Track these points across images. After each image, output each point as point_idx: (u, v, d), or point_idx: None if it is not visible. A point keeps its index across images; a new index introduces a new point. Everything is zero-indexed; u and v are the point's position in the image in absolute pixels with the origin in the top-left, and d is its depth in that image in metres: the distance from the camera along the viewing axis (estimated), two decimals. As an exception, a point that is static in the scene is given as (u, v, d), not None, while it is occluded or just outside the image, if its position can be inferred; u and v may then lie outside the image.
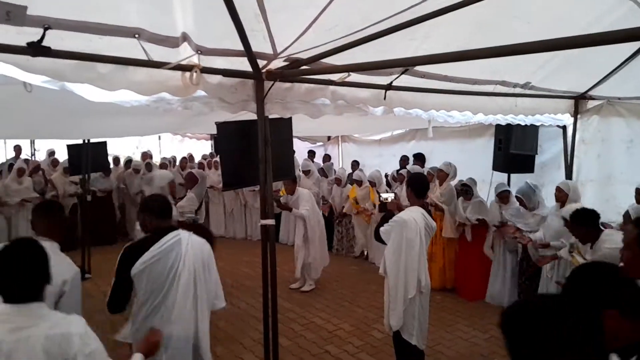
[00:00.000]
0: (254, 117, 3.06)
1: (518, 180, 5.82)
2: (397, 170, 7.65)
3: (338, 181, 8.16)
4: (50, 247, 2.28)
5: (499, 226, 5.36)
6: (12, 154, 9.60)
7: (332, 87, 3.28)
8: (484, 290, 5.82)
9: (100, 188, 8.75)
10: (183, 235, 2.54)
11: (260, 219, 3.13)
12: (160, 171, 7.57)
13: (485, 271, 5.82)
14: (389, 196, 4.23)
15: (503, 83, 3.99)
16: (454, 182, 6.24)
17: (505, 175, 6.09)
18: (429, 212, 3.76)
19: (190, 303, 2.46)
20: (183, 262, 2.46)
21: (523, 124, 4.78)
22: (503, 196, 5.53)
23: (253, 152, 3.09)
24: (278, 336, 3.17)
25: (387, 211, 3.90)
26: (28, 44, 1.92)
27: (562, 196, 4.59)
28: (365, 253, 7.95)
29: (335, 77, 3.16)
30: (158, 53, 2.42)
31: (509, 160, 5.83)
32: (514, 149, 5.64)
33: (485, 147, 6.66)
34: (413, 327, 3.54)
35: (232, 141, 3.28)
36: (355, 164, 8.76)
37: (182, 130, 10.31)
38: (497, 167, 6.02)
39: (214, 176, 9.48)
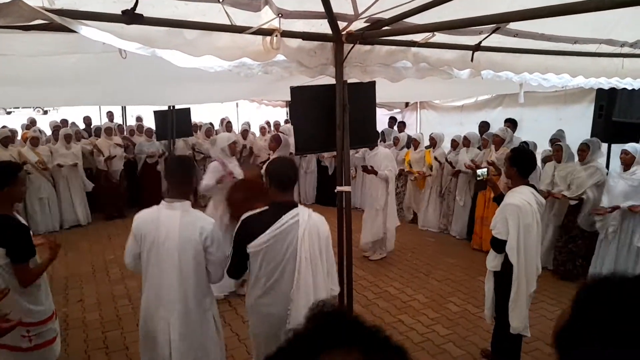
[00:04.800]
0: (328, 82, 3.01)
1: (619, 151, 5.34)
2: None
3: (396, 141, 8.09)
4: (182, 207, 2.54)
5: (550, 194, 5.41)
6: (106, 120, 10.39)
7: (414, 49, 3.12)
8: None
9: (147, 153, 8.68)
10: (302, 215, 2.45)
11: (337, 186, 3.12)
12: (223, 133, 7.69)
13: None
14: (484, 172, 4.00)
15: (609, 42, 3.56)
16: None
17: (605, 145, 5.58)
18: (534, 187, 3.41)
19: (307, 289, 2.40)
20: (300, 247, 2.39)
21: (630, 88, 4.27)
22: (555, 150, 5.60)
23: (329, 118, 3.06)
24: (353, 303, 3.19)
25: (486, 189, 3.65)
26: (123, 11, 2.00)
27: (628, 159, 4.80)
28: (412, 217, 8.20)
29: (418, 37, 3.00)
30: (240, 17, 2.42)
31: (611, 129, 5.30)
32: (618, 116, 5.10)
33: (583, 115, 6.14)
34: (527, 319, 3.33)
35: (307, 106, 3.26)
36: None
37: (260, 97, 10.53)
38: (596, 136, 5.50)
39: (260, 142, 9.84)
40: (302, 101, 3.26)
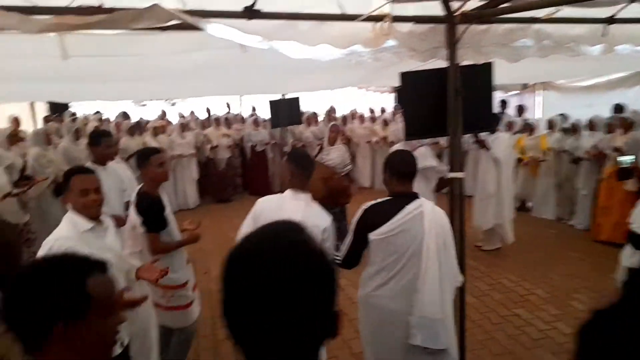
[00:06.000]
0: (440, 65, 2.92)
1: None
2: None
3: (510, 125, 7.52)
4: (305, 199, 2.66)
5: None
6: (226, 110, 11.18)
7: (536, 26, 2.90)
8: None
9: (254, 141, 9.31)
10: (426, 207, 2.39)
11: (450, 172, 3.04)
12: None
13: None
14: (628, 159, 3.58)
15: None
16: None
17: None
18: None
19: (435, 282, 2.32)
20: (425, 240, 2.32)
21: None
22: None
23: (440, 102, 2.97)
24: (465, 292, 3.11)
25: (631, 178, 3.25)
26: (245, 8, 2.16)
27: None
28: (530, 205, 7.72)
29: (541, 13, 2.77)
30: (351, 6, 2.47)
31: None
32: None
33: None
34: None
35: (417, 91, 3.19)
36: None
37: (367, 83, 10.51)
38: None
39: (359, 129, 9.78)
40: (412, 86, 3.20)
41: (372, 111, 10.63)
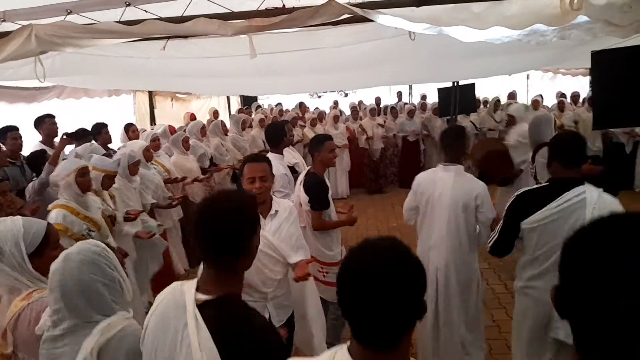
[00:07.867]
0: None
1: None
2: None
3: None
4: (456, 170, 2.86)
5: None
6: (395, 99, 11.24)
7: None
8: None
9: (406, 132, 9.00)
10: (589, 194, 2.15)
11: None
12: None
13: None
14: None
15: None
16: None
17: None
18: None
19: None
20: None
21: None
22: None
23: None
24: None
25: None
26: (412, -5, 2.14)
27: None
28: None
29: None
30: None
31: None
32: None
33: None
34: None
35: (613, 73, 2.74)
36: None
37: (553, 66, 9.38)
38: None
39: None
40: (607, 67, 2.78)
41: (562, 96, 9.39)
